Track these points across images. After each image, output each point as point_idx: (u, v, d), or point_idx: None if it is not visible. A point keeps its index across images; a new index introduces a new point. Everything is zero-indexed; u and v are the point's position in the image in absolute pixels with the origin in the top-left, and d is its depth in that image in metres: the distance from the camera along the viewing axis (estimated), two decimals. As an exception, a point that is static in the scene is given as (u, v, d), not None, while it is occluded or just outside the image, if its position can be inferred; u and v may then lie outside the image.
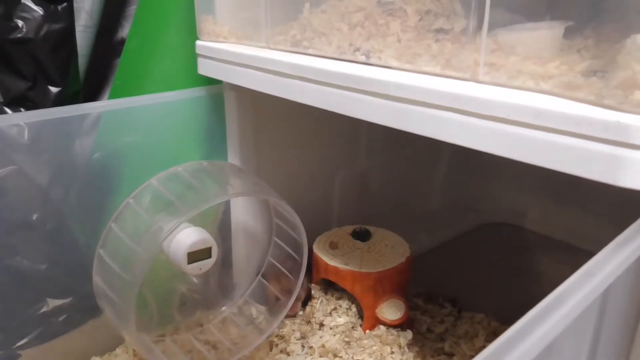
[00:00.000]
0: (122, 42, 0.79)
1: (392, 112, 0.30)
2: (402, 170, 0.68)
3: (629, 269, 0.23)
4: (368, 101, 0.31)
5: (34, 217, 0.47)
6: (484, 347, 0.50)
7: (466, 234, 0.76)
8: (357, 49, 0.34)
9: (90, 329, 0.53)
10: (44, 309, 0.49)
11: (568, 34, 0.27)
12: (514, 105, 0.25)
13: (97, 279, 0.41)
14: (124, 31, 0.80)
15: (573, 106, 0.23)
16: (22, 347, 0.48)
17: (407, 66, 0.31)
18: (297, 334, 0.50)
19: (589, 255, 0.23)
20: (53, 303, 0.49)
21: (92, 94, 0.73)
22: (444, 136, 0.27)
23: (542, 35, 0.29)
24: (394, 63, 0.32)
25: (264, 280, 0.52)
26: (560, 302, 0.20)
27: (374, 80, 0.31)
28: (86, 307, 0.52)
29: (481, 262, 0.69)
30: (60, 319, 0.50)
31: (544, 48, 0.28)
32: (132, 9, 0.80)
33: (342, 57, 0.35)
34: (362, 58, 0.34)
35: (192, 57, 0.50)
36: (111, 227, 0.40)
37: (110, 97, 0.66)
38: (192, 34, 0.52)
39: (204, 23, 0.46)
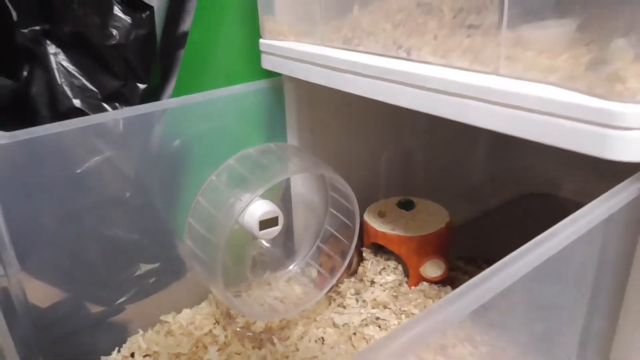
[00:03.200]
0: (184, 35, 0.87)
1: (428, 101, 0.36)
2: (444, 147, 0.73)
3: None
4: (409, 92, 0.38)
5: (127, 194, 0.55)
6: (517, 301, 0.56)
7: (507, 204, 0.82)
8: (400, 47, 0.40)
9: (175, 289, 0.62)
10: (138, 272, 0.58)
11: (581, 28, 0.33)
12: (525, 96, 0.31)
13: (188, 242, 0.50)
14: (186, 25, 0.88)
15: (572, 95, 0.29)
16: (122, 304, 0.57)
17: (441, 61, 0.38)
18: (352, 290, 0.58)
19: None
20: (145, 267, 0.58)
21: (160, 83, 0.81)
22: (471, 121, 0.34)
23: (556, 31, 0.34)
24: (431, 59, 0.38)
25: (322, 245, 0.60)
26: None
27: (414, 75, 0.37)
28: (172, 271, 0.61)
29: (520, 229, 0.74)
30: (151, 281, 0.59)
31: (557, 43, 0.33)
32: (191, 4, 0.88)
33: (387, 53, 0.42)
34: (404, 54, 0.40)
35: (250, 50, 0.57)
36: (198, 199, 0.48)
37: (177, 87, 0.73)
38: (249, 28, 0.58)
39: (266, 22, 0.53)
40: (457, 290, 0.25)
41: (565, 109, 0.29)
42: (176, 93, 0.73)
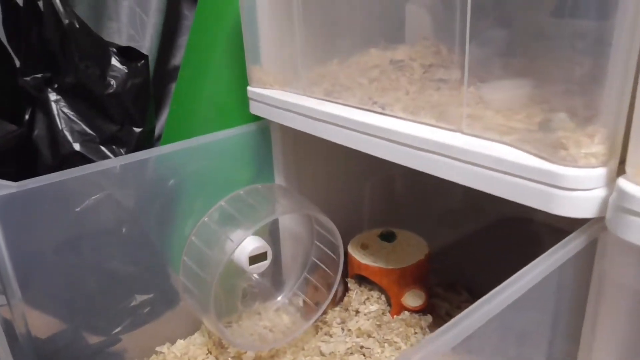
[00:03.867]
0: (175, 69, 0.91)
1: (401, 154, 0.40)
2: (423, 175, 0.77)
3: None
4: (384, 145, 0.42)
5: (123, 229, 0.58)
6: (492, 327, 0.60)
7: (485, 229, 0.85)
8: (375, 102, 0.44)
9: (169, 319, 0.64)
10: (133, 303, 0.60)
11: (536, 87, 0.36)
12: (484, 155, 0.35)
13: (182, 279, 0.53)
14: (176, 59, 0.92)
15: (524, 157, 0.33)
16: (118, 334, 0.59)
17: (411, 117, 0.42)
18: (338, 320, 0.61)
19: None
20: (140, 298, 0.60)
21: (155, 124, 0.82)
22: (438, 174, 0.38)
23: (514, 90, 0.38)
24: (402, 114, 0.42)
25: (308, 276, 0.63)
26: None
27: (387, 130, 0.41)
28: (165, 301, 0.64)
29: (497, 254, 0.78)
30: (146, 310, 0.61)
31: (515, 102, 0.37)
32: (182, 40, 0.92)
33: (364, 107, 0.45)
34: (379, 109, 0.44)
35: (239, 91, 0.60)
36: (192, 239, 0.52)
37: (168, 119, 0.76)
38: (238, 71, 0.62)
39: (253, 71, 0.57)
40: (443, 327, 0.29)
41: (518, 169, 0.33)
42: (168, 124, 0.76)
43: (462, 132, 0.38)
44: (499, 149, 0.35)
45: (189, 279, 0.51)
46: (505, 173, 0.34)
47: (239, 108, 0.64)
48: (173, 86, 0.91)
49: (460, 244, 0.82)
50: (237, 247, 0.50)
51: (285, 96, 0.52)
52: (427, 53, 0.43)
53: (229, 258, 0.48)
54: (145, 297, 0.62)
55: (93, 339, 0.58)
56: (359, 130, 0.44)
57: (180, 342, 0.60)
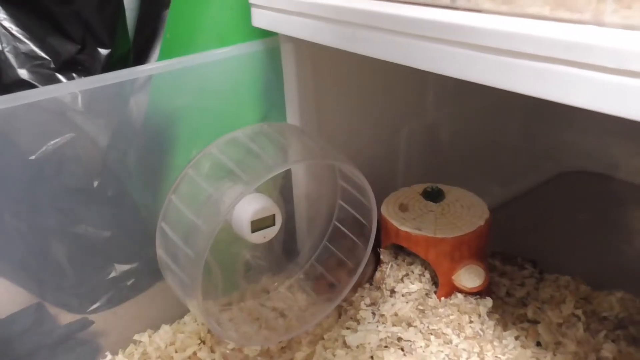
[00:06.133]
0: None
1: (492, 66, 0.25)
2: (473, 120, 0.62)
3: None
4: (459, 54, 0.26)
5: (95, 184, 0.46)
6: (573, 314, 0.46)
7: (544, 185, 0.70)
8: (440, -10, 0.29)
9: (157, 292, 0.53)
10: (113, 274, 0.50)
11: None
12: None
13: (160, 252, 0.39)
14: (171, -20, 0.76)
15: None
16: (94, 311, 0.49)
17: (504, 8, 0.26)
18: (367, 300, 0.47)
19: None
20: (121, 268, 0.50)
21: (142, 48, 0.71)
22: (561, 97, 0.22)
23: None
24: (487, 5, 0.26)
25: (329, 245, 0.49)
26: None
27: (466, 28, 0.26)
28: (152, 271, 0.52)
29: (562, 216, 0.64)
30: (129, 283, 0.51)
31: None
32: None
33: (421, 1, 0.30)
34: (446, 1, 0.28)
35: (245, 4, 0.46)
36: (171, 199, 0.37)
37: (162, 51, 0.63)
38: None
39: (255, -35, 0.41)
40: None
41: None
42: (162, 58, 0.63)
43: (603, 24, 0.22)
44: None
45: (168, 253, 0.38)
46: None
47: (247, 32, 0.50)
48: (167, 14, 0.78)
49: (515, 202, 0.67)
50: (232, 210, 0.36)
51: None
52: None
53: (219, 227, 0.34)
54: (127, 266, 0.51)
55: (62, 319, 0.48)
56: (417, 35, 0.28)
57: (165, 329, 0.48)
